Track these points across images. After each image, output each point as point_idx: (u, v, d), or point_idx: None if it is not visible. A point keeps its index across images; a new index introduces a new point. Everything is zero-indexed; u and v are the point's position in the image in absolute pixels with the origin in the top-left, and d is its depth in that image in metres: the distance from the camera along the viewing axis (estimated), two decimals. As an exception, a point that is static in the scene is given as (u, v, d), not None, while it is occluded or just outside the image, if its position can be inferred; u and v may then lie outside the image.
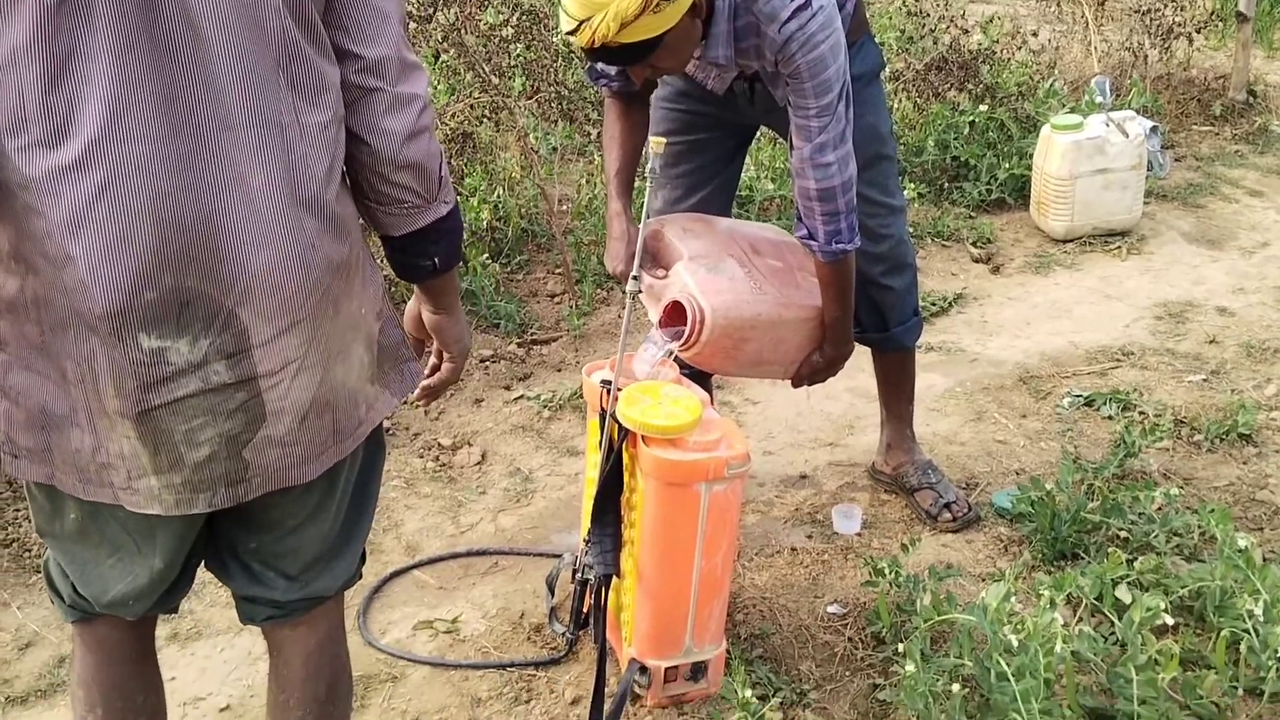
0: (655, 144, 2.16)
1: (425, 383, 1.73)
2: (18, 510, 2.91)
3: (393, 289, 3.20)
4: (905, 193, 4.32)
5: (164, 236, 1.29)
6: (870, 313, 2.70)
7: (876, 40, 2.72)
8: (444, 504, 3.00)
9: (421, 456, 3.20)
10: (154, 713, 1.72)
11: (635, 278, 2.25)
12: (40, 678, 2.41)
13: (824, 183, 2.28)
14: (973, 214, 4.60)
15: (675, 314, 2.34)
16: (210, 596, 2.62)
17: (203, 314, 1.34)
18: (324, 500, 1.57)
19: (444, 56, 3.50)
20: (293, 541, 1.59)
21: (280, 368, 1.40)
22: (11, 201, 1.28)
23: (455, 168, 3.81)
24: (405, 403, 3.44)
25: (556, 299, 4.02)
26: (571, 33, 2.08)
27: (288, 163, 1.35)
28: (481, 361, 3.65)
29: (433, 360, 1.75)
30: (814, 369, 2.52)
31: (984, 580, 2.57)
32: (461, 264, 2.37)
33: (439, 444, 3.26)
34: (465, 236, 3.83)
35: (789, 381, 2.59)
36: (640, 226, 2.24)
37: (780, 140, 4.59)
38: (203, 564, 1.64)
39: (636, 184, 2.65)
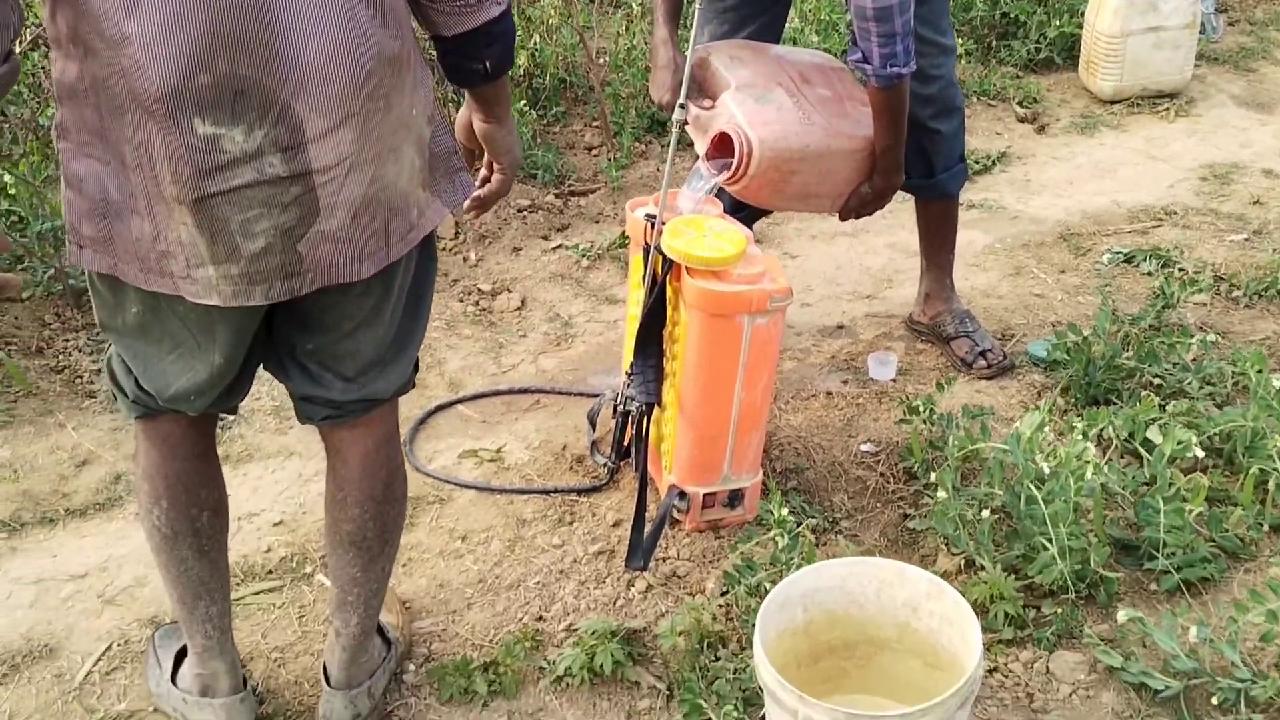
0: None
1: (476, 193, 1.75)
2: (67, 340, 2.98)
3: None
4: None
5: (217, 18, 1.30)
6: (917, 158, 2.67)
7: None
8: (485, 345, 3.05)
9: (461, 301, 3.25)
10: (216, 507, 1.79)
11: (682, 106, 2.24)
12: (98, 492, 2.51)
13: (881, 2, 2.24)
14: (1020, 73, 4.52)
15: (722, 145, 2.34)
16: (260, 423, 2.70)
17: (257, 103, 1.35)
18: (379, 304, 1.62)
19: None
20: (350, 344, 1.63)
21: (335, 163, 1.43)
22: None
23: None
24: (450, 242, 3.47)
25: (594, 151, 4.01)
26: None
27: None
28: (519, 211, 3.66)
29: (483, 172, 1.77)
30: (862, 201, 2.51)
31: (1016, 423, 2.61)
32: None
33: (479, 289, 3.30)
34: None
35: (835, 215, 2.58)
36: (687, 54, 2.22)
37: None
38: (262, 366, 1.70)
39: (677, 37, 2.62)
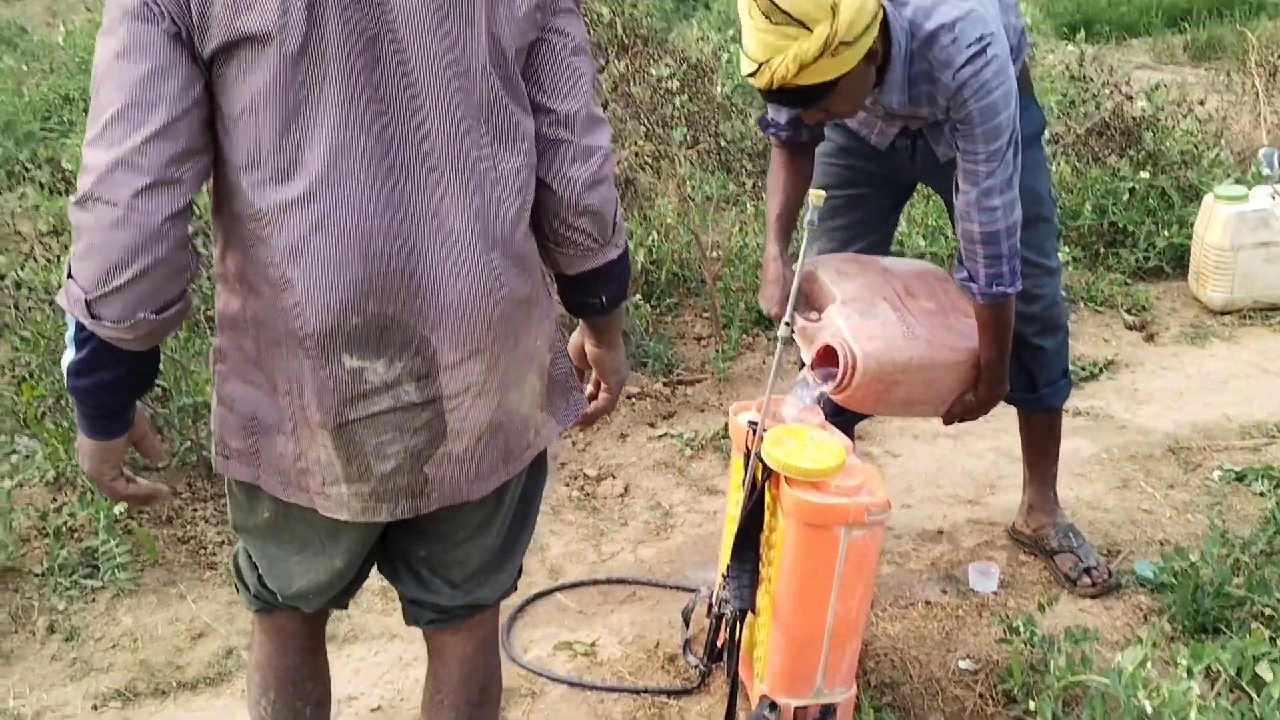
0: (814, 196, 2.24)
1: (584, 410, 1.84)
2: (195, 510, 3.14)
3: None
4: (1060, 255, 4.32)
5: (370, 268, 1.43)
6: (1019, 373, 2.71)
7: (1038, 103, 2.76)
8: (587, 532, 3.12)
9: (568, 485, 3.33)
10: (320, 700, 1.86)
11: (788, 324, 2.33)
12: (209, 666, 2.60)
13: (989, 226, 2.32)
14: (1128, 281, 4.54)
15: (827, 356, 2.41)
16: (366, 603, 2.78)
17: (399, 339, 1.48)
18: (490, 516, 1.70)
19: (612, 106, 3.66)
20: (460, 553, 1.71)
21: (463, 390, 1.53)
22: (241, 231, 1.44)
23: (614, 211, 3.96)
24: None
25: (703, 342, 4.12)
26: (751, 75, 2.16)
27: (483, 205, 1.49)
28: (628, 398, 3.77)
29: (590, 389, 1.87)
30: (966, 408, 2.55)
31: (1121, 647, 2.55)
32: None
33: (584, 474, 3.38)
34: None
35: (940, 418, 2.62)
36: (796, 271, 2.32)
37: (935, 196, 4.64)
38: (376, 567, 1.79)
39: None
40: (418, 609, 1.78)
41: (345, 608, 1.86)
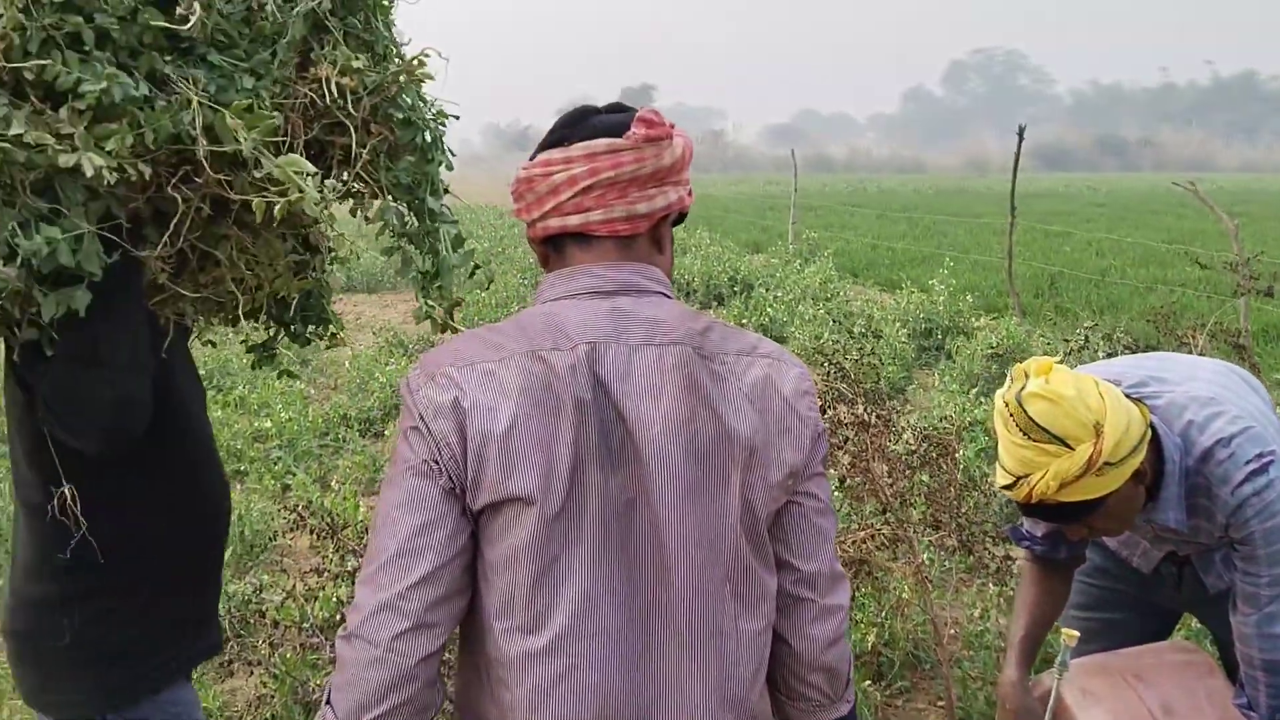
0: (1067, 637, 2.11)
1: None
2: None
3: None
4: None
5: None
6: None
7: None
8: None
9: None
10: None
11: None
12: None
13: (1271, 654, 2.13)
14: None
15: None
16: None
17: None
18: None
19: (849, 481, 3.63)
20: None
21: None
22: (489, 672, 1.49)
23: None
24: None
25: (937, 733, 3.87)
26: (1008, 487, 2.08)
27: (721, 665, 1.48)
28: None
29: None
30: None
31: None
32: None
33: None
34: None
35: None
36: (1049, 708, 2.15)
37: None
38: None
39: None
40: None
41: None
